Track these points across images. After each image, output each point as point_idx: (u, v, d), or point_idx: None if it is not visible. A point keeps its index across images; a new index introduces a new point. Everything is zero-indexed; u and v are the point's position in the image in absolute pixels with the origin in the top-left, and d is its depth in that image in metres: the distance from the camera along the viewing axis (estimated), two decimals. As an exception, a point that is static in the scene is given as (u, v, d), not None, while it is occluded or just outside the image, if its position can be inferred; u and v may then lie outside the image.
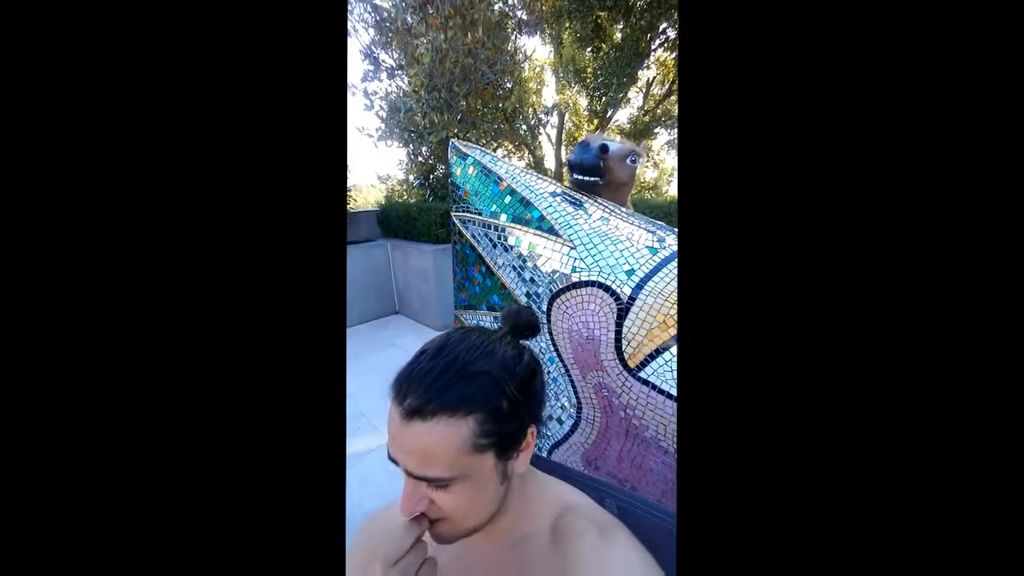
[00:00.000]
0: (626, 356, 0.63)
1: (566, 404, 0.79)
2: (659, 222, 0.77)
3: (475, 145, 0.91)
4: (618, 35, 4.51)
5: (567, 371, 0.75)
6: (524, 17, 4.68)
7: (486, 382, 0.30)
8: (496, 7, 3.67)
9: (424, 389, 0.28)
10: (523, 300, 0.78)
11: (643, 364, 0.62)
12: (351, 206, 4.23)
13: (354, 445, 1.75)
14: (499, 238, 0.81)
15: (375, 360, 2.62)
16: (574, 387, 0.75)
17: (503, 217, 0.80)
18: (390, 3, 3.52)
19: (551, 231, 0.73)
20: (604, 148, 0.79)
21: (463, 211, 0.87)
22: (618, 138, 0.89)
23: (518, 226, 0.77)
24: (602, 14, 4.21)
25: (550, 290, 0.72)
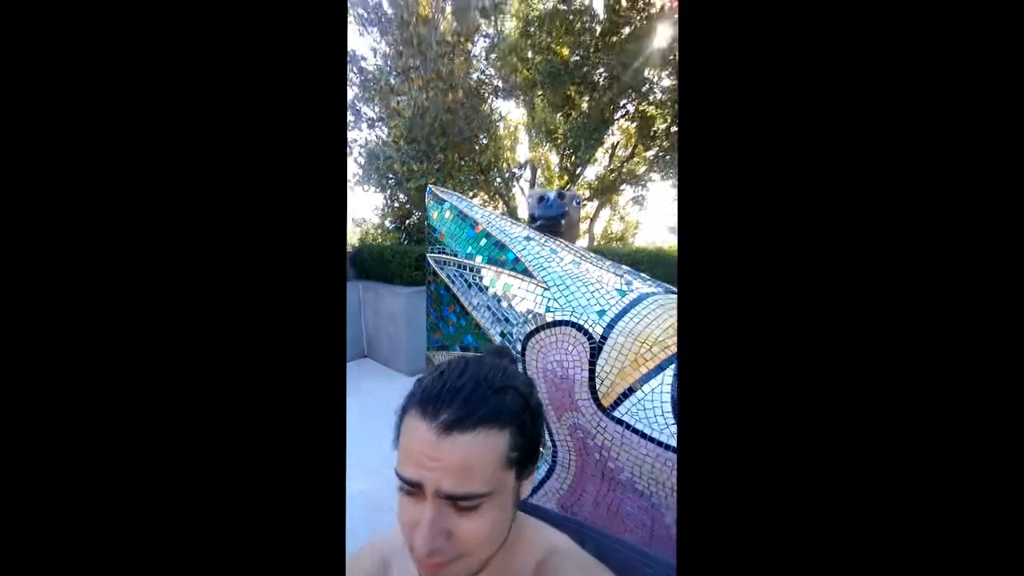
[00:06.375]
0: (600, 395, 0.64)
1: (540, 449, 0.76)
2: (625, 266, 0.83)
3: (452, 191, 0.96)
4: (585, 105, 5.05)
5: (541, 413, 0.74)
6: (500, 84, 5.16)
7: (514, 396, 0.31)
8: (475, 76, 4.04)
9: (462, 402, 0.29)
10: (497, 340, 0.79)
11: (617, 403, 0.62)
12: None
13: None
14: (474, 279, 0.82)
15: (337, 409, 2.44)
16: (549, 430, 0.74)
17: (478, 259, 0.82)
18: (374, 66, 3.80)
19: (525, 272, 0.76)
20: (561, 195, 0.94)
21: (439, 253, 0.89)
22: (555, 187, 1.14)
23: (493, 267, 0.80)
24: (571, 87, 4.73)
25: (524, 330, 0.73)
